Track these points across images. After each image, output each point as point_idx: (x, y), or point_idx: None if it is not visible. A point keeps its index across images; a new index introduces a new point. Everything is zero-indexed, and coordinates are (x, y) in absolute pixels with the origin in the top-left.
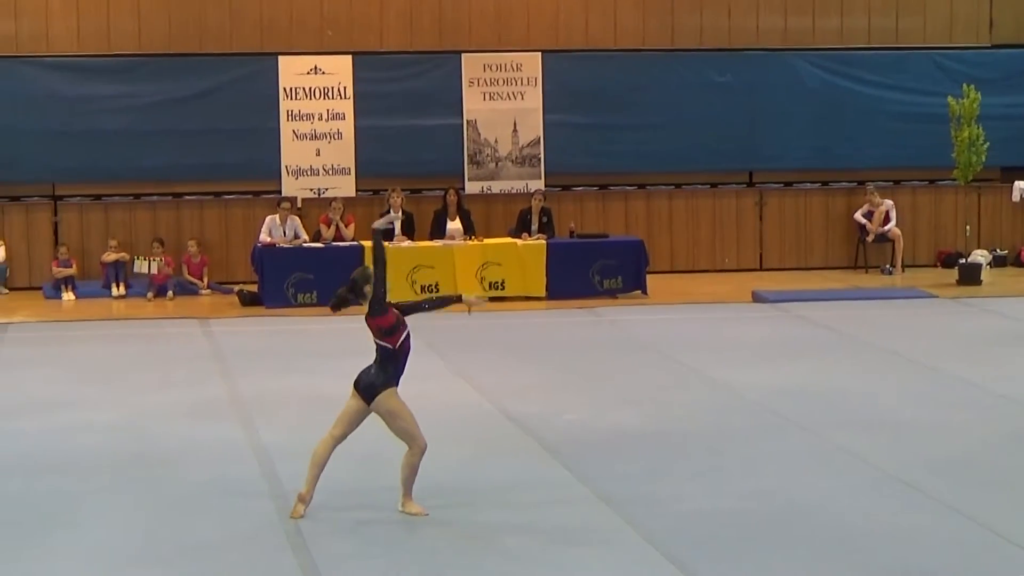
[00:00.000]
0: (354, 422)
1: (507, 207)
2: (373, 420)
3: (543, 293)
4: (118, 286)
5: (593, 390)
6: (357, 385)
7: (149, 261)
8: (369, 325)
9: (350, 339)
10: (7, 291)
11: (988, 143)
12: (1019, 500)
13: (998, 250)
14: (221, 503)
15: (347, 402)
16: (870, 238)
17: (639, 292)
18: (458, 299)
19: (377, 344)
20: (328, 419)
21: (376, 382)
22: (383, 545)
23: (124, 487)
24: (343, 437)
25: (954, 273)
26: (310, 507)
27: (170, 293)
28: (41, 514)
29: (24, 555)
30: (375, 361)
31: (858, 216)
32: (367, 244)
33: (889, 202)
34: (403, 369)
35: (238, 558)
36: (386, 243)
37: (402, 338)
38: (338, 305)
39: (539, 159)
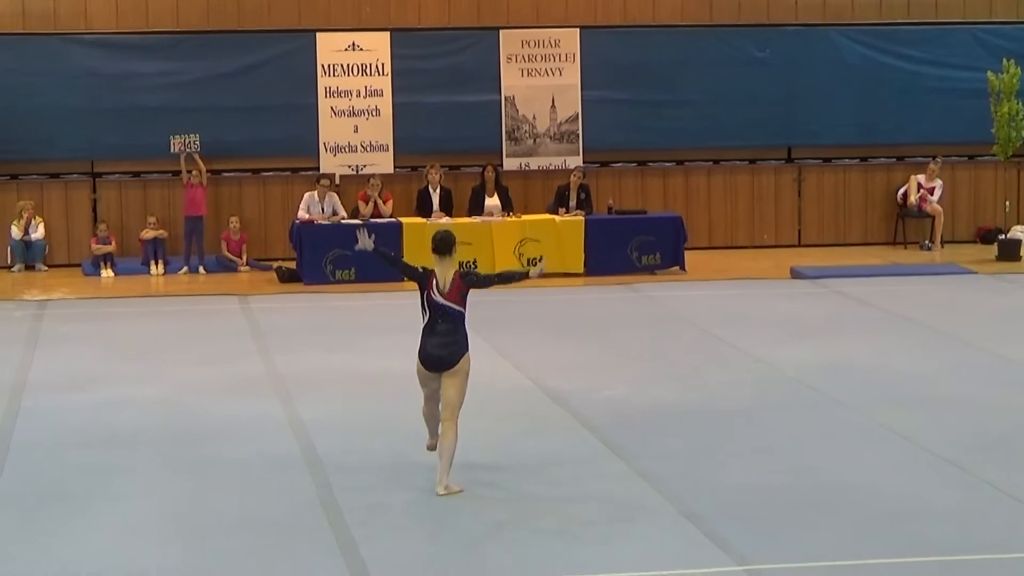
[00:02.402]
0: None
1: (545, 183)
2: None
3: (581, 269)
4: (157, 263)
5: (632, 367)
6: (438, 362)
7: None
8: (458, 285)
9: (388, 315)
10: (46, 268)
11: None
12: None
13: None
14: (260, 479)
15: (425, 381)
16: (908, 204)
17: (677, 268)
18: (525, 275)
19: (454, 311)
20: (368, 396)
21: (461, 347)
22: (422, 521)
23: (164, 462)
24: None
25: (993, 249)
26: (347, 484)
27: (201, 268)
28: (83, 488)
29: (66, 527)
30: (442, 333)
31: (899, 196)
32: (405, 221)
33: (940, 182)
34: None
35: (277, 534)
36: (424, 219)
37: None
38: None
39: (577, 135)
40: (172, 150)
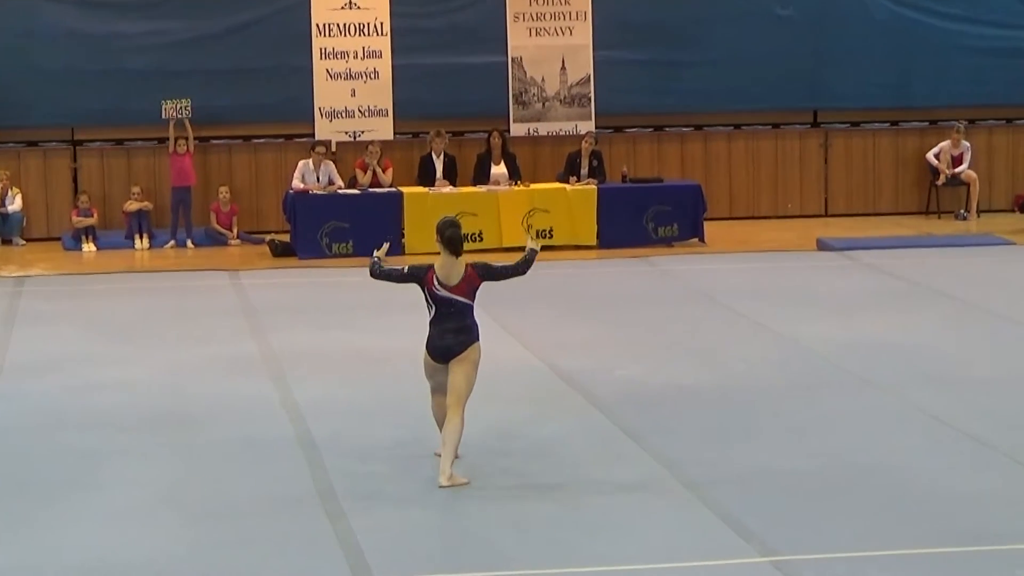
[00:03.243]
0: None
1: (555, 150)
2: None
3: (594, 242)
4: (141, 237)
5: (648, 345)
6: (446, 352)
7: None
8: (471, 279)
9: (388, 292)
10: (24, 242)
11: None
12: None
13: None
14: (252, 465)
15: (431, 373)
16: (940, 181)
17: (696, 240)
18: (536, 253)
19: (461, 303)
20: (367, 377)
21: (471, 337)
22: (424, 510)
23: (149, 447)
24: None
25: None
26: (345, 470)
27: (189, 242)
28: (63, 475)
29: (47, 516)
30: (450, 324)
31: (930, 157)
32: (406, 191)
33: (966, 144)
34: None
35: (270, 524)
36: (426, 189)
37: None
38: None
39: (589, 99)
40: (163, 116)
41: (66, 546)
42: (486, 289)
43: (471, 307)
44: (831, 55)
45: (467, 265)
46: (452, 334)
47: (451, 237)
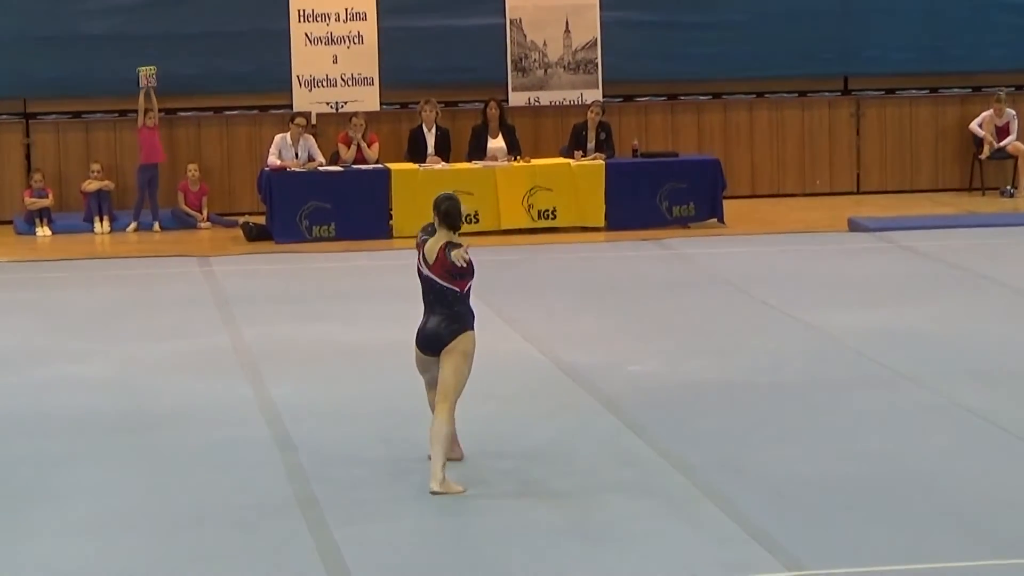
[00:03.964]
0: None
1: (558, 122)
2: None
3: (602, 223)
4: (102, 220)
5: (662, 337)
6: (431, 341)
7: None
8: (443, 261)
9: (373, 279)
10: None
11: None
12: None
13: None
14: (225, 471)
15: (422, 366)
16: (984, 154)
17: (715, 220)
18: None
19: (442, 287)
20: (348, 371)
21: (461, 325)
22: (414, 519)
23: (113, 452)
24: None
25: None
26: (327, 476)
27: (156, 225)
28: (18, 484)
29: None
30: (437, 310)
31: (974, 127)
32: (394, 167)
33: (1011, 112)
34: None
35: (245, 535)
36: (416, 165)
37: (469, 284)
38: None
39: (596, 64)
40: (139, 84)
41: (22, 563)
42: (481, 274)
43: (456, 293)
44: (862, 15)
45: (441, 245)
46: (438, 320)
47: (447, 210)
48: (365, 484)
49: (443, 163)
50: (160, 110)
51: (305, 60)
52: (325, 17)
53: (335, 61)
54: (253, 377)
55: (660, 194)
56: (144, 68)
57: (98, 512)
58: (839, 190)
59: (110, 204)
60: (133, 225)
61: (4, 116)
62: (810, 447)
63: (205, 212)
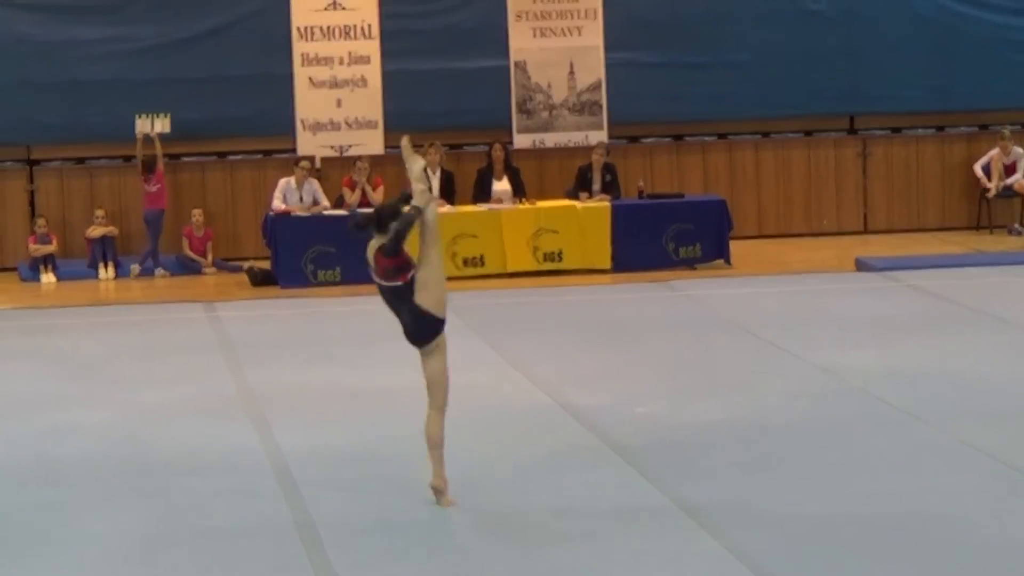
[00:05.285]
0: None
1: (563, 163)
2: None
3: (608, 265)
4: (106, 266)
5: (669, 378)
6: (416, 339)
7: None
8: (380, 263)
9: (379, 323)
10: None
11: None
12: None
13: None
14: (231, 517)
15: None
16: (991, 193)
17: (721, 261)
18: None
19: (391, 286)
20: (354, 416)
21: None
22: (419, 564)
23: (118, 499)
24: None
25: None
26: (335, 522)
27: (161, 271)
28: (20, 533)
29: None
30: (403, 308)
31: (978, 169)
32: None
33: (1019, 150)
34: None
35: None
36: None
37: (411, 273)
38: (357, 229)
39: (600, 106)
40: (149, 131)
41: None
42: (486, 315)
43: (402, 286)
44: (868, 54)
45: (376, 249)
46: (410, 318)
47: (378, 215)
48: (372, 529)
49: (448, 206)
50: (164, 155)
51: (309, 104)
52: (328, 61)
53: (339, 105)
54: (259, 422)
55: (666, 235)
56: (145, 115)
57: (103, 559)
58: (846, 229)
59: (114, 250)
60: (136, 268)
61: (8, 163)
62: (818, 488)
63: (210, 257)
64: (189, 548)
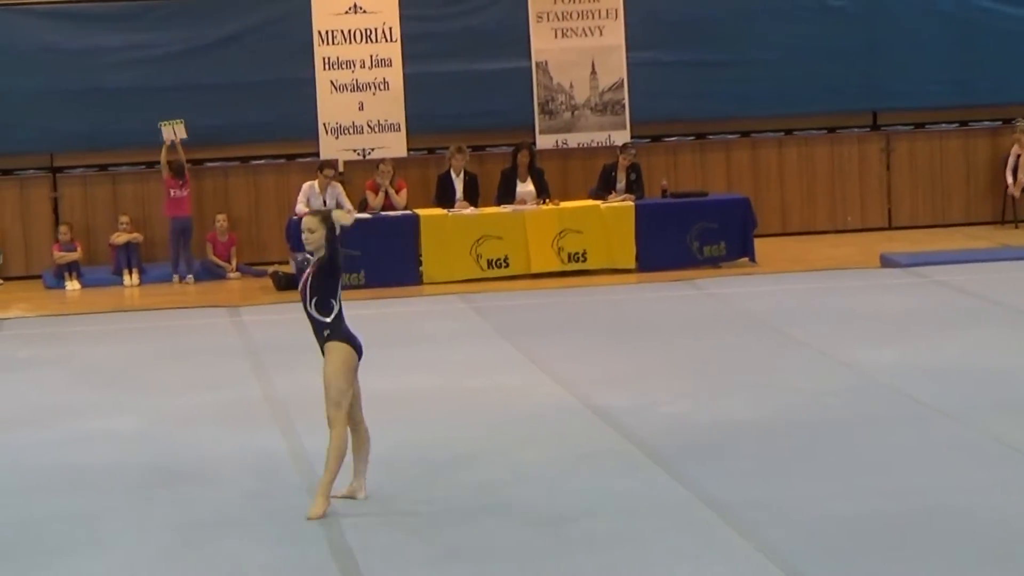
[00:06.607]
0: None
1: (587, 163)
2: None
3: (632, 264)
4: (131, 272)
5: (695, 377)
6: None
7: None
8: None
9: (402, 325)
10: (0, 281)
11: None
12: None
13: None
14: (260, 523)
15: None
16: (1016, 191)
17: (746, 259)
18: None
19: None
20: (380, 419)
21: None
22: (446, 571)
23: (145, 506)
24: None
25: None
26: (363, 527)
27: (189, 277)
28: (46, 542)
29: None
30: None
31: (1008, 175)
32: (423, 213)
33: None
34: None
35: None
36: (445, 211)
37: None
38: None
39: (623, 106)
40: (163, 139)
41: None
42: (511, 316)
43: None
44: (890, 50)
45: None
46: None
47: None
48: (401, 532)
49: (472, 208)
50: (187, 161)
51: (331, 108)
52: (350, 64)
53: (361, 108)
54: (285, 427)
55: (690, 234)
56: (166, 123)
57: (130, 566)
58: (870, 226)
59: (139, 256)
60: (176, 277)
61: (32, 171)
62: (846, 484)
63: (234, 262)
64: (216, 553)
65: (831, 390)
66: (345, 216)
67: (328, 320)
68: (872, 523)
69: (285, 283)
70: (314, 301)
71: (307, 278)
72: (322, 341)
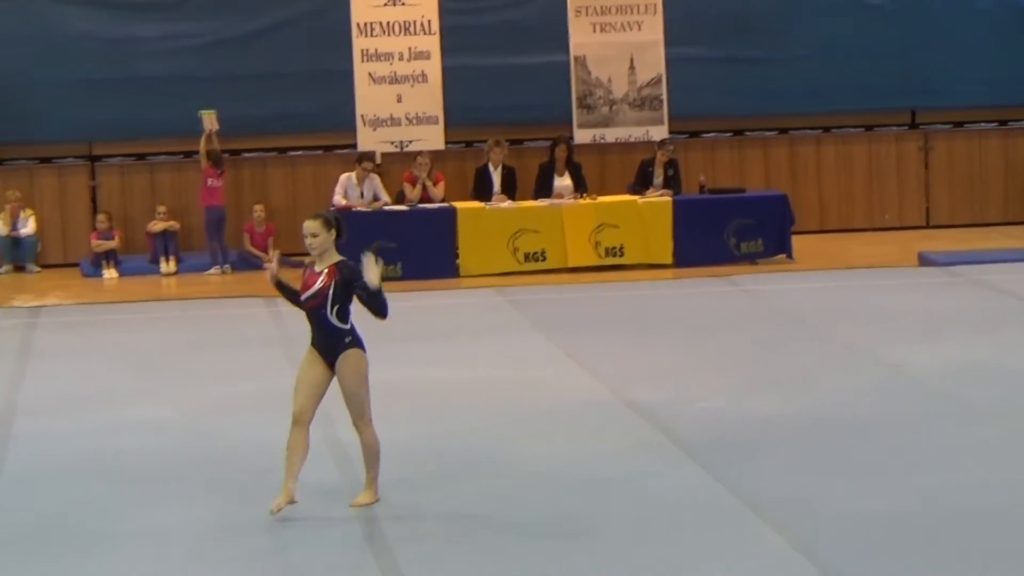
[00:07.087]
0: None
1: (624, 158)
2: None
3: (669, 260)
4: (168, 261)
5: (731, 373)
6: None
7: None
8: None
9: (439, 318)
10: (38, 269)
11: None
12: None
13: None
14: (295, 513)
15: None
16: None
17: (783, 256)
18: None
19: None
20: (415, 411)
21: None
22: (482, 561)
23: (179, 495)
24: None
25: None
26: (400, 517)
27: (227, 267)
28: (86, 527)
29: (66, 574)
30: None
31: None
32: (460, 206)
33: None
34: None
35: None
36: (483, 204)
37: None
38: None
39: (661, 101)
40: (204, 128)
41: None
42: (547, 311)
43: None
44: (930, 48)
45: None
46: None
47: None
48: (435, 525)
49: (509, 201)
50: (225, 151)
51: (369, 99)
52: (389, 56)
53: (399, 100)
54: (321, 418)
55: (728, 230)
56: (206, 111)
57: (166, 555)
58: (908, 224)
59: (176, 245)
60: (216, 268)
61: (70, 159)
62: (883, 483)
63: (271, 253)
64: (252, 542)
65: (866, 388)
66: (374, 278)
67: (347, 327)
68: (906, 521)
69: None
70: (336, 309)
71: (329, 286)
72: (342, 348)
